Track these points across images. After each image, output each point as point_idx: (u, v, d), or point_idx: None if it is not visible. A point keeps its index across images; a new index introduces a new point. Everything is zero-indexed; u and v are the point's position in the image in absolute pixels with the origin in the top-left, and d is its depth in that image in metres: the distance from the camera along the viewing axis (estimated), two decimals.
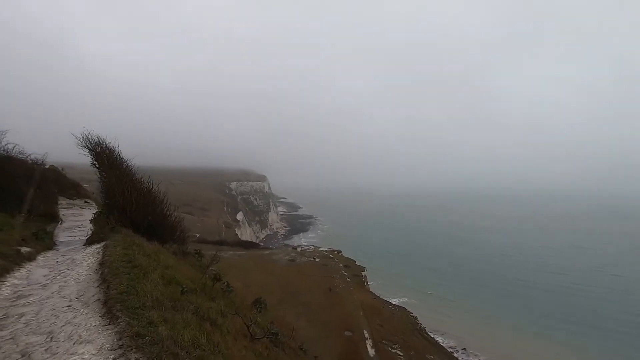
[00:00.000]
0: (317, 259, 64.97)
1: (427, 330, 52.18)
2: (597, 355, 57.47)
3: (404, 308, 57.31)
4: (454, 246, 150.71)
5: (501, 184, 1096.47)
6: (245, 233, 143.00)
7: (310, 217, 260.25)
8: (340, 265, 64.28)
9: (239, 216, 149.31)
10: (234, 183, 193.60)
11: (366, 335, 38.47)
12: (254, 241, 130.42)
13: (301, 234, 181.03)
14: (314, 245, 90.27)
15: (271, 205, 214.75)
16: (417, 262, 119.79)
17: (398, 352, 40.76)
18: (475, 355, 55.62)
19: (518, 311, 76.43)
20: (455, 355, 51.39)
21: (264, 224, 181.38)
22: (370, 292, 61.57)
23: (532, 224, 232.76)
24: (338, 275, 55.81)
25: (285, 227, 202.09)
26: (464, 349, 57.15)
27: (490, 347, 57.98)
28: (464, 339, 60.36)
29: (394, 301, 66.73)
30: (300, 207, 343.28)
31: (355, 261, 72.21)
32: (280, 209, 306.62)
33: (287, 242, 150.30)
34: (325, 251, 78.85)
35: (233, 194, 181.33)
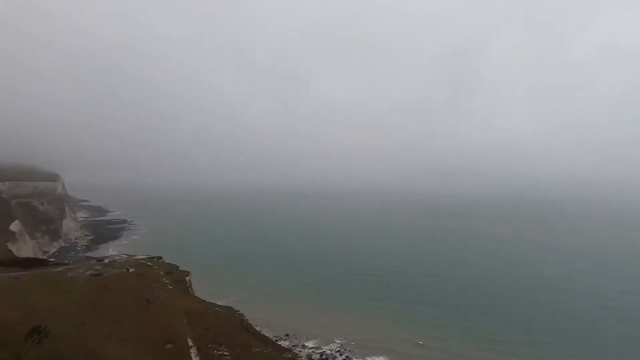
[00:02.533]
0: (131, 269, 56.34)
1: (253, 325, 53.83)
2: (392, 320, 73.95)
3: (231, 308, 57.16)
4: (287, 242, 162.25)
5: (337, 182, 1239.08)
6: (25, 248, 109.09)
7: (124, 221, 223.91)
8: (161, 272, 58.04)
9: (15, 226, 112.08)
10: (4, 184, 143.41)
11: (190, 344, 36.18)
12: (40, 257, 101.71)
13: (110, 242, 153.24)
14: (127, 254, 77.66)
15: (67, 211, 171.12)
16: (248, 261, 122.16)
17: (224, 353, 40.33)
18: (296, 338, 61.54)
19: (342, 294, 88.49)
20: (279, 342, 55.34)
21: (55, 234, 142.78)
22: (196, 297, 58.30)
23: (360, 218, 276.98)
24: (158, 284, 50.16)
25: (87, 235, 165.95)
26: (287, 334, 62.45)
27: (312, 329, 65.27)
28: (288, 326, 65.74)
29: (221, 302, 65.55)
30: (109, 211, 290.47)
31: (178, 266, 66.72)
32: (82, 214, 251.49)
33: (90, 254, 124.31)
34: (143, 259, 69.40)
35: (3, 197, 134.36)
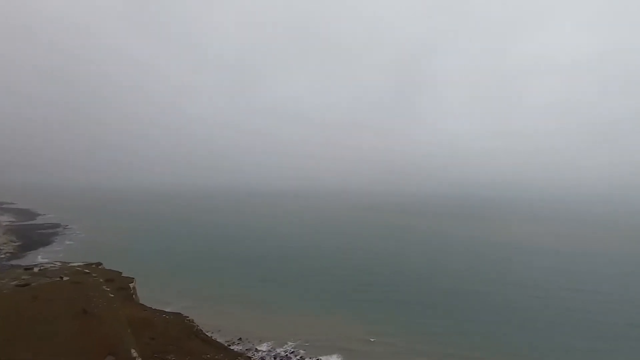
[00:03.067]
0: (65, 278, 51.66)
1: (204, 331, 52.07)
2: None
3: (180, 314, 54.77)
4: (238, 243, 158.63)
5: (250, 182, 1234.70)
6: None
7: (57, 225, 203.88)
8: (101, 280, 53.92)
9: None
10: None
11: (134, 354, 34.09)
12: None
13: (40, 248, 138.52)
14: (61, 262, 70.88)
15: None
16: (198, 264, 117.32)
17: None
18: (249, 341, 60.47)
19: (294, 295, 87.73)
20: (231, 347, 54.07)
21: None
22: (141, 304, 54.97)
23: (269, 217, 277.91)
24: (97, 292, 46.52)
25: (13, 242, 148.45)
26: (240, 339, 61.13)
27: (265, 332, 64.41)
28: (240, 330, 64.33)
29: (169, 309, 62.48)
30: (39, 214, 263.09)
31: (121, 273, 62.49)
32: (5, 217, 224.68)
33: (16, 262, 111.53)
34: (79, 266, 63.98)
35: None
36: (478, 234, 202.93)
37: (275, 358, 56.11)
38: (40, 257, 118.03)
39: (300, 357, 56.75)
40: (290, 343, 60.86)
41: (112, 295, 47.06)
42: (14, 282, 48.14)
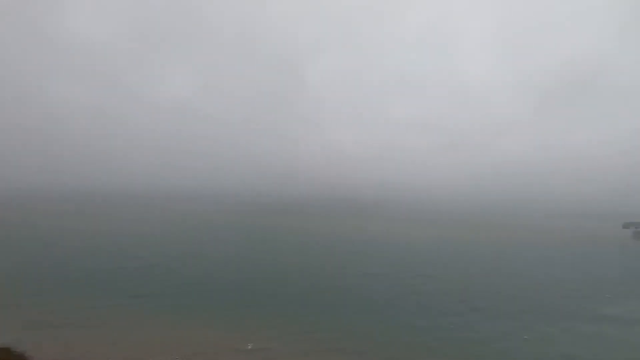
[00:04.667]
0: None
1: None
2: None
3: (9, 349, 44.43)
4: (93, 254, 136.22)
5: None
6: None
7: None
8: None
9: None
10: None
11: None
12: None
13: None
14: None
15: None
16: (40, 281, 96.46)
17: None
18: None
19: (160, 308, 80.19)
20: None
21: None
22: None
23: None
24: None
25: None
26: None
27: (130, 352, 57.49)
28: (99, 354, 56.01)
29: None
30: None
31: None
32: None
33: None
34: None
35: None
36: (348, 233, 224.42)
37: None
38: None
39: None
40: None
41: None
42: None
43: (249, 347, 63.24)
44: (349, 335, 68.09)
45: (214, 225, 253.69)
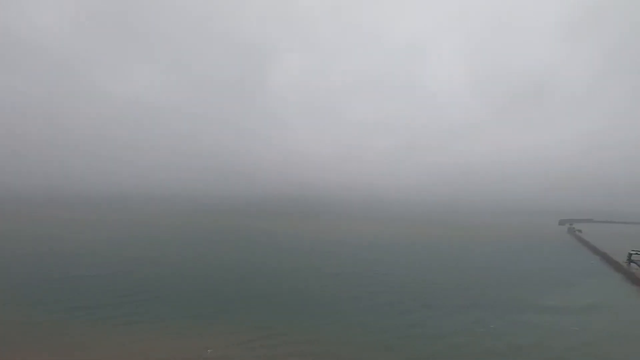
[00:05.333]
0: None
1: None
2: None
3: None
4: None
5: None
6: None
7: None
8: None
9: None
10: None
11: None
12: None
13: None
14: None
15: None
16: None
17: None
18: None
19: (117, 312, 74.70)
20: None
21: None
22: None
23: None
24: None
25: None
26: None
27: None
28: None
29: None
30: None
31: None
32: None
33: None
34: None
35: None
36: (309, 233, 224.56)
37: None
38: None
39: None
40: None
41: None
42: None
43: (209, 352, 61.04)
44: (311, 339, 67.52)
45: (166, 227, 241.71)
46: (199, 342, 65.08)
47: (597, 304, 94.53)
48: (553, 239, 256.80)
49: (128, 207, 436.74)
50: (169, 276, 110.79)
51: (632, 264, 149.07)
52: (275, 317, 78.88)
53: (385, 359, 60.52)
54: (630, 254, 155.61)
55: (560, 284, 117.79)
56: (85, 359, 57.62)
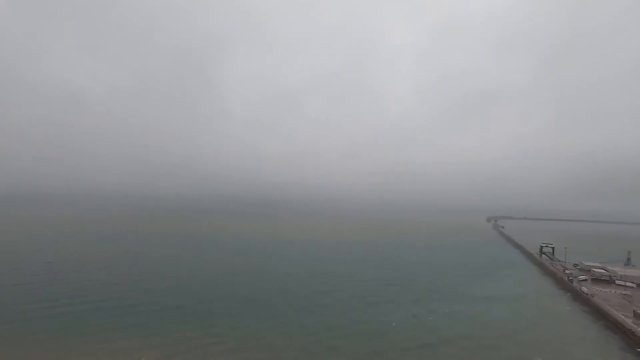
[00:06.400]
0: None
1: None
2: None
3: None
4: None
5: None
6: None
7: None
8: None
9: None
10: None
11: None
12: None
13: None
14: None
15: None
16: None
17: None
18: None
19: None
20: None
21: None
22: None
23: None
24: None
25: None
26: None
27: None
28: None
29: None
30: None
31: None
32: None
33: None
34: None
35: None
36: (254, 233, 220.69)
37: None
38: None
39: None
40: None
41: None
42: None
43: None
44: (255, 345, 65.38)
45: (91, 230, 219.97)
46: (134, 349, 60.17)
47: (520, 294, 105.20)
48: (482, 234, 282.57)
49: (52, 206, 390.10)
50: (96, 282, 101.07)
51: (543, 255, 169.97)
52: (216, 321, 75.34)
53: None
54: (542, 247, 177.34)
55: (488, 275, 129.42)
56: None
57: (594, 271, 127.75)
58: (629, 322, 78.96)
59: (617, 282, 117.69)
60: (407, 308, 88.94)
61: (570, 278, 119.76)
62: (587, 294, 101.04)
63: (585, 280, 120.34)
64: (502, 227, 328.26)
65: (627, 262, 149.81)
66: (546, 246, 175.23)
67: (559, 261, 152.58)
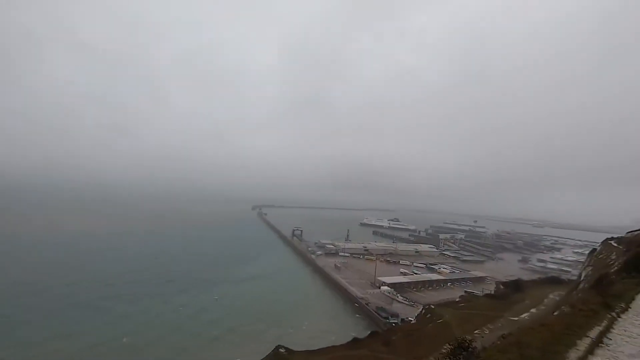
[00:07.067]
0: None
1: None
2: None
3: None
4: None
5: None
6: None
7: None
8: None
9: None
10: None
11: None
12: None
13: None
14: None
15: None
16: None
17: None
18: None
19: None
20: None
21: None
22: None
23: None
24: None
25: None
26: None
27: None
28: None
29: None
30: None
31: None
32: None
33: None
34: None
35: None
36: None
37: None
38: None
39: None
40: None
41: None
42: None
43: None
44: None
45: None
46: None
47: (278, 270, 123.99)
48: (248, 221, 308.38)
49: None
50: None
51: (294, 238, 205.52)
52: None
53: None
54: (294, 230, 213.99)
55: (253, 257, 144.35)
56: None
57: (326, 247, 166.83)
58: (340, 278, 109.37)
59: (340, 253, 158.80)
60: (177, 297, 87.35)
61: (312, 255, 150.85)
62: (320, 265, 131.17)
63: (321, 254, 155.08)
64: (265, 214, 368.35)
65: (347, 238, 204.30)
66: (297, 229, 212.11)
67: (306, 241, 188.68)
